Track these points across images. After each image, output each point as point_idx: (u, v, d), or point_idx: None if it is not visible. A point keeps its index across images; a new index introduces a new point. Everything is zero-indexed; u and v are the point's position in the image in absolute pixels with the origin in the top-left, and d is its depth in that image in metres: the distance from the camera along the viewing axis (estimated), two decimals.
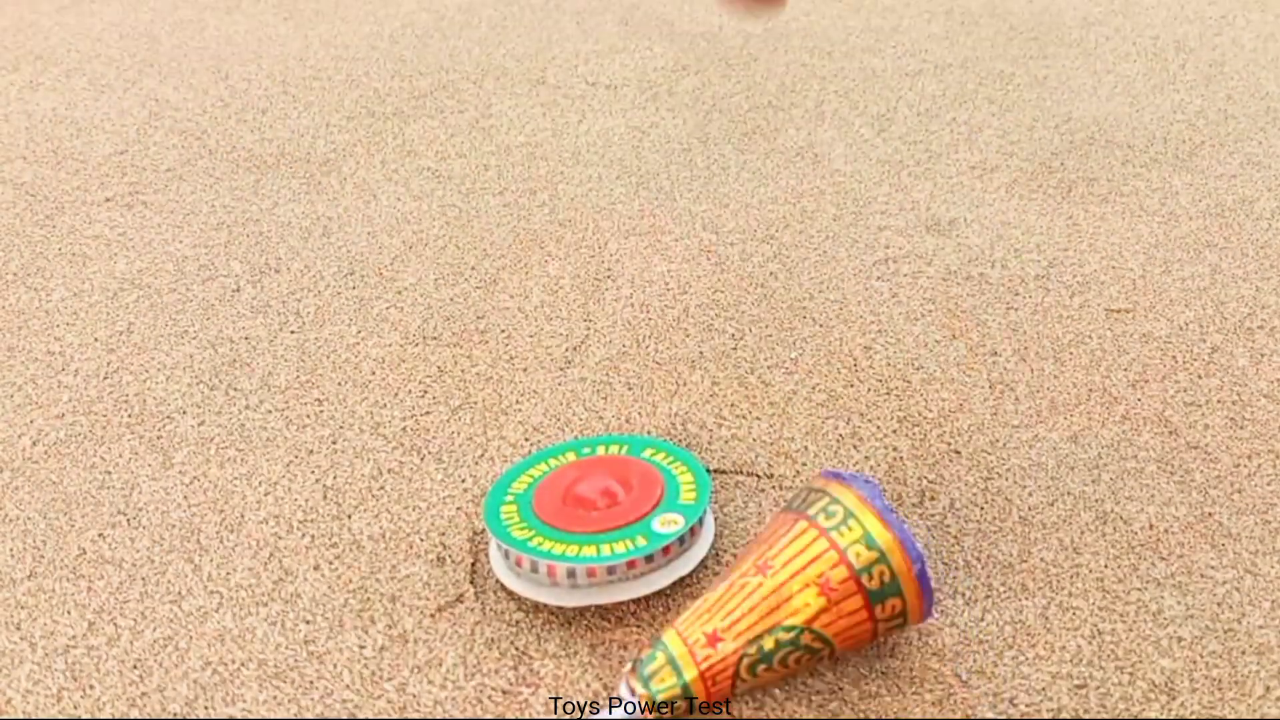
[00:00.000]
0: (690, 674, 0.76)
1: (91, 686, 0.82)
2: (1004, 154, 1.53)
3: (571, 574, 0.84)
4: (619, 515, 0.88)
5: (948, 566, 0.90)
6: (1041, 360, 1.13)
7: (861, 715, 0.79)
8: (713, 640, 0.77)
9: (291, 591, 0.90)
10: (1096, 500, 0.96)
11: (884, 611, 0.77)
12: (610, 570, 0.84)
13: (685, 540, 0.87)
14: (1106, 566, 0.89)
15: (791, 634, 0.76)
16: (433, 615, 0.88)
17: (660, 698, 0.76)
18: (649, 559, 0.85)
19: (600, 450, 0.96)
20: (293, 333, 1.20)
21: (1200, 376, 1.11)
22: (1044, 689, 0.81)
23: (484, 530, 0.94)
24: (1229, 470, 0.99)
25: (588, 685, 0.81)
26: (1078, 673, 0.82)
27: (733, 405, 1.08)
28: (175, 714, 0.80)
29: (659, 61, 1.84)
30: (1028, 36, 1.88)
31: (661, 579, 0.86)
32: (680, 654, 0.77)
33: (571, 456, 0.96)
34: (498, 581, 0.90)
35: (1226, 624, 0.85)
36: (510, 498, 0.92)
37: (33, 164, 1.56)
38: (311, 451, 1.04)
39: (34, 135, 1.63)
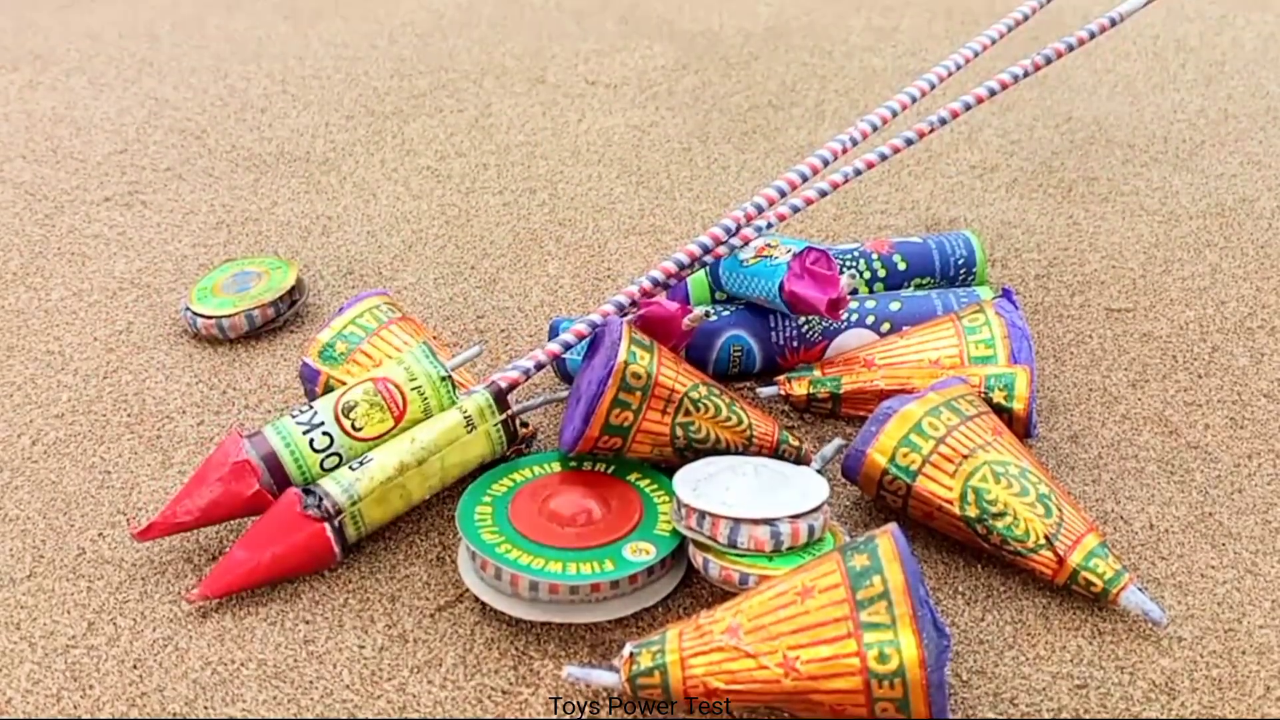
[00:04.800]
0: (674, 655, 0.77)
1: (91, 686, 0.82)
2: (1004, 153, 1.53)
3: (534, 587, 0.83)
4: (591, 535, 0.87)
5: (948, 567, 0.90)
6: (1042, 360, 1.13)
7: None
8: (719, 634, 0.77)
9: (291, 591, 0.90)
10: (1097, 500, 0.96)
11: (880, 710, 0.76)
12: (573, 590, 0.83)
13: (654, 571, 0.86)
14: None
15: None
16: (432, 615, 0.88)
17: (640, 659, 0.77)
18: (614, 585, 0.84)
19: (586, 465, 0.95)
20: (292, 332, 1.20)
21: (1200, 376, 1.11)
22: (1044, 689, 0.81)
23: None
24: (1229, 470, 0.99)
25: (588, 685, 0.81)
26: (1078, 673, 0.82)
27: None
28: (175, 714, 0.80)
29: (659, 61, 1.84)
30: (1028, 36, 1.88)
31: (624, 607, 0.84)
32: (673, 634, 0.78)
33: (556, 467, 0.95)
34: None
35: (1227, 624, 0.85)
36: (488, 499, 0.91)
37: (32, 163, 1.56)
38: None
39: (34, 135, 1.63)
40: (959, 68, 1.07)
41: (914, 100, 1.08)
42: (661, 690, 0.77)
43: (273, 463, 0.90)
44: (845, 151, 1.06)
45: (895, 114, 1.07)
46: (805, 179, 1.06)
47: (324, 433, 0.92)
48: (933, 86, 1.07)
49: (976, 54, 1.09)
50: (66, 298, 1.27)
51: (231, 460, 0.90)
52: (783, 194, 1.05)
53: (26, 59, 1.89)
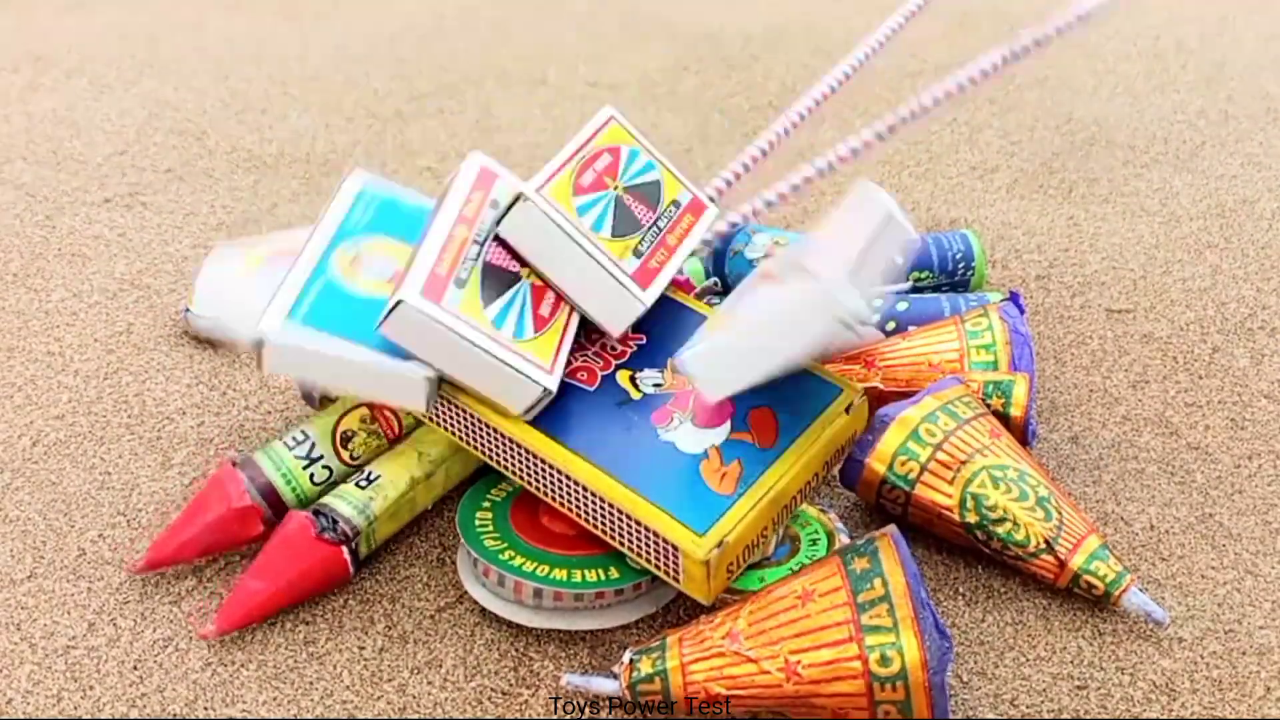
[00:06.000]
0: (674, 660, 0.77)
1: (91, 687, 0.82)
2: (1005, 154, 1.53)
3: (538, 594, 0.83)
4: (595, 540, 0.87)
5: (948, 568, 0.90)
6: (1042, 361, 1.13)
7: None
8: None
9: None
10: (1097, 501, 0.96)
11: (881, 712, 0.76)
12: (577, 597, 0.83)
13: (657, 579, 0.86)
14: None
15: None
16: (432, 616, 0.88)
17: (640, 665, 0.77)
18: (618, 592, 0.83)
19: None
20: None
21: (1201, 377, 1.11)
22: (1045, 690, 0.80)
23: None
24: (1230, 471, 0.99)
25: (587, 692, 0.81)
26: (1079, 674, 0.82)
27: None
28: (175, 714, 0.80)
29: (659, 61, 1.84)
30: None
31: (627, 614, 0.84)
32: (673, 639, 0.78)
33: None
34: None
35: (1227, 625, 0.85)
36: (487, 504, 0.91)
37: (33, 165, 1.56)
38: None
39: (34, 136, 1.63)
40: (848, 77, 1.09)
41: (832, 92, 1.10)
42: (662, 697, 0.77)
43: (274, 500, 0.91)
44: (789, 134, 1.08)
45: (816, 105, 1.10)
46: (747, 169, 1.08)
47: (324, 466, 0.92)
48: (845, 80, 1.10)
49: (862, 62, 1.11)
50: (66, 299, 1.27)
51: (235, 505, 0.89)
52: (729, 183, 1.07)
53: (27, 60, 1.89)
